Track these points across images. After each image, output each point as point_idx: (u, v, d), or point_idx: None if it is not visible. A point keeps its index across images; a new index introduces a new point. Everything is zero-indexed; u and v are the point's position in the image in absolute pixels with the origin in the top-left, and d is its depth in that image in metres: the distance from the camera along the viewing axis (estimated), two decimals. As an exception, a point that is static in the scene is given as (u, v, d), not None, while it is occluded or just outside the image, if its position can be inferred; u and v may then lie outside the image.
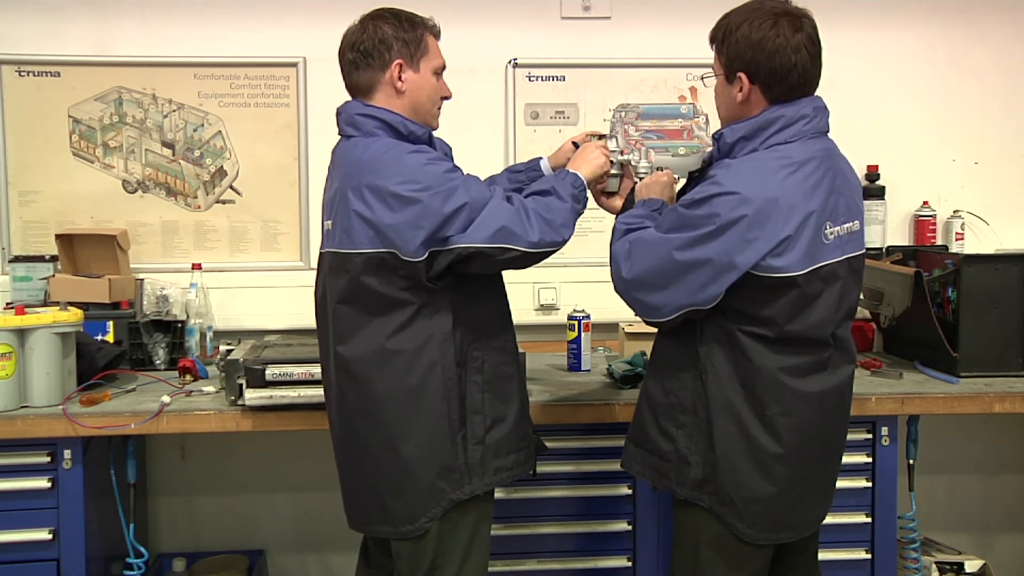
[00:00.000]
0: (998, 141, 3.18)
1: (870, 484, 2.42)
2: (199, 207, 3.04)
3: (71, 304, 2.46)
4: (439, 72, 1.95)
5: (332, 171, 1.91)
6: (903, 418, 2.47)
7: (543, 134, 3.09)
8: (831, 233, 1.72)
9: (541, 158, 2.19)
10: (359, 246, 1.78)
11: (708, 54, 1.86)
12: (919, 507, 2.58)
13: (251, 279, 3.03)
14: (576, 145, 2.10)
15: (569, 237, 1.86)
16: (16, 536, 2.24)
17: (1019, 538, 3.19)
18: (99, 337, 2.68)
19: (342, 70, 1.92)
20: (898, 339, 2.87)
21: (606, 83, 3.10)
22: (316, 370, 2.15)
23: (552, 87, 3.10)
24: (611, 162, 2.03)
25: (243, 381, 2.25)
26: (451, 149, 2.01)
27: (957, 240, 3.14)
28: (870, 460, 2.42)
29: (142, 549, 2.44)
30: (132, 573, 2.41)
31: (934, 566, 2.78)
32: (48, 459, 2.25)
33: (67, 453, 2.25)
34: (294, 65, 3.02)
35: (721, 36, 1.80)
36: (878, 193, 3.12)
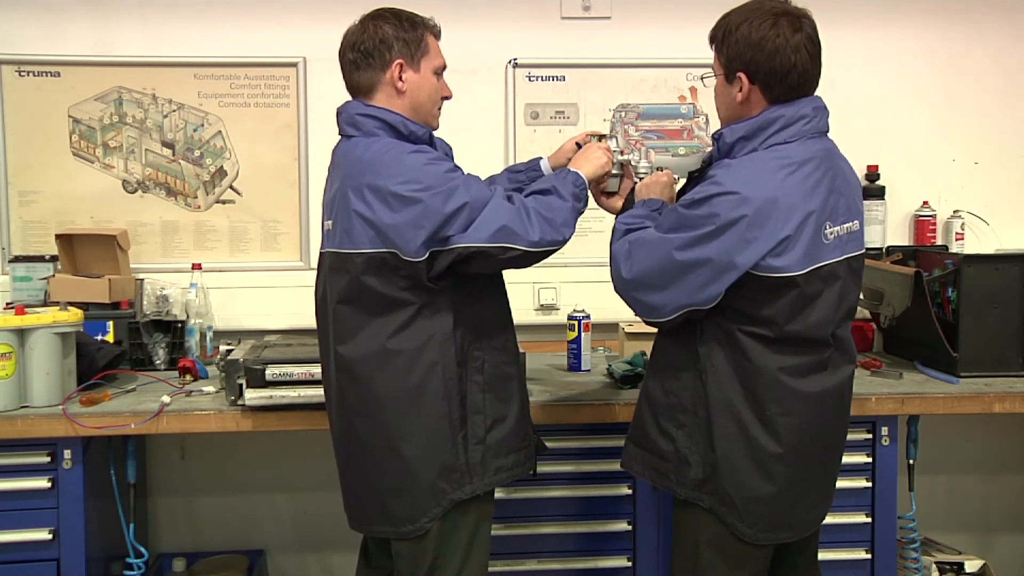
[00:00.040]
0: (998, 141, 3.19)
1: (870, 484, 2.42)
2: (199, 207, 3.04)
3: (71, 304, 2.46)
4: (440, 72, 1.95)
5: (332, 171, 1.91)
6: (903, 418, 2.47)
7: (543, 134, 3.09)
8: (831, 233, 1.72)
9: (541, 158, 2.19)
10: (360, 246, 1.78)
11: (708, 54, 1.86)
12: (919, 507, 2.58)
13: (251, 279, 3.03)
14: (579, 145, 2.10)
15: (570, 236, 1.86)
16: (16, 536, 2.24)
17: (1019, 538, 3.19)
18: (99, 337, 2.68)
19: (342, 70, 1.92)
20: (898, 339, 2.87)
21: (606, 83, 3.10)
22: (316, 370, 2.15)
23: (552, 87, 3.10)
24: (612, 162, 2.03)
25: (243, 381, 2.25)
26: (452, 149, 2.01)
27: (957, 240, 3.14)
28: (870, 460, 2.42)
29: (142, 549, 2.44)
30: (132, 573, 2.41)
31: (934, 566, 2.78)
32: (48, 459, 2.25)
33: (67, 453, 2.25)
34: (294, 65, 3.02)
35: (721, 36, 1.80)
36: (878, 193, 3.12)
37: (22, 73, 2.96)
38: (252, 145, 3.04)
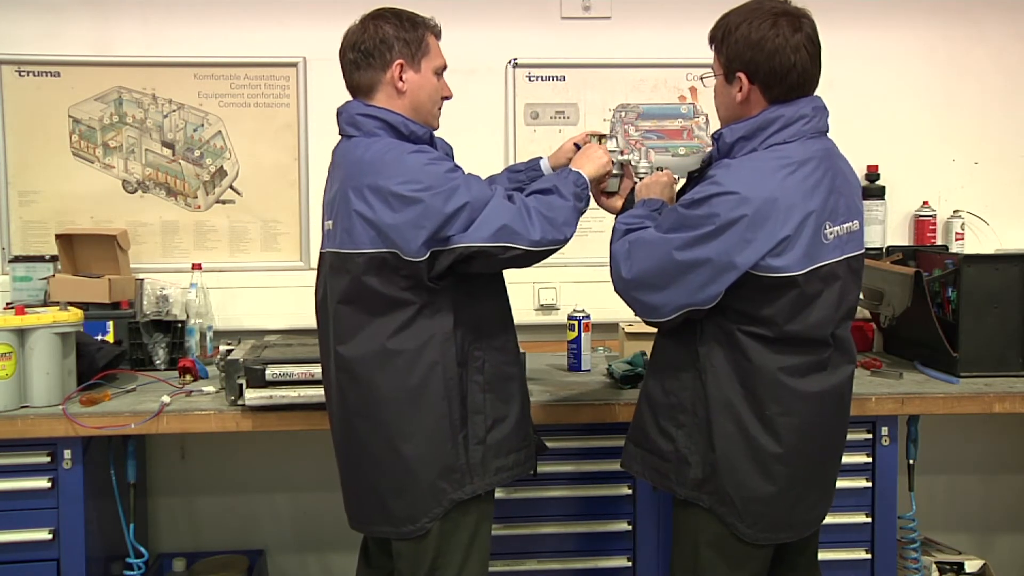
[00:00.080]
0: (998, 141, 3.19)
1: (870, 484, 2.42)
2: (199, 207, 3.04)
3: (71, 304, 2.46)
4: (440, 72, 1.95)
5: (333, 171, 1.91)
6: (903, 418, 2.47)
7: (543, 134, 3.09)
8: (830, 233, 1.72)
9: (541, 158, 2.19)
10: (360, 246, 1.78)
11: (708, 54, 1.86)
12: (919, 507, 2.58)
13: (251, 279, 3.03)
14: (578, 146, 2.10)
15: (571, 235, 1.86)
16: (16, 536, 2.24)
17: (1019, 538, 3.19)
18: (99, 337, 2.68)
19: (343, 70, 1.92)
20: (898, 339, 2.87)
21: (606, 83, 3.10)
22: (316, 370, 2.15)
23: (552, 87, 3.11)
24: (612, 162, 2.03)
25: (243, 381, 2.25)
26: (452, 149, 2.01)
27: (957, 240, 3.14)
28: (870, 460, 2.42)
29: (142, 549, 2.44)
30: (132, 573, 2.41)
31: (934, 566, 2.78)
32: (48, 459, 2.25)
33: (67, 453, 2.25)
34: (294, 65, 3.02)
35: (720, 36, 1.80)
36: (878, 193, 3.12)
37: (22, 73, 2.96)
38: (252, 145, 3.04)
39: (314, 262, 2.53)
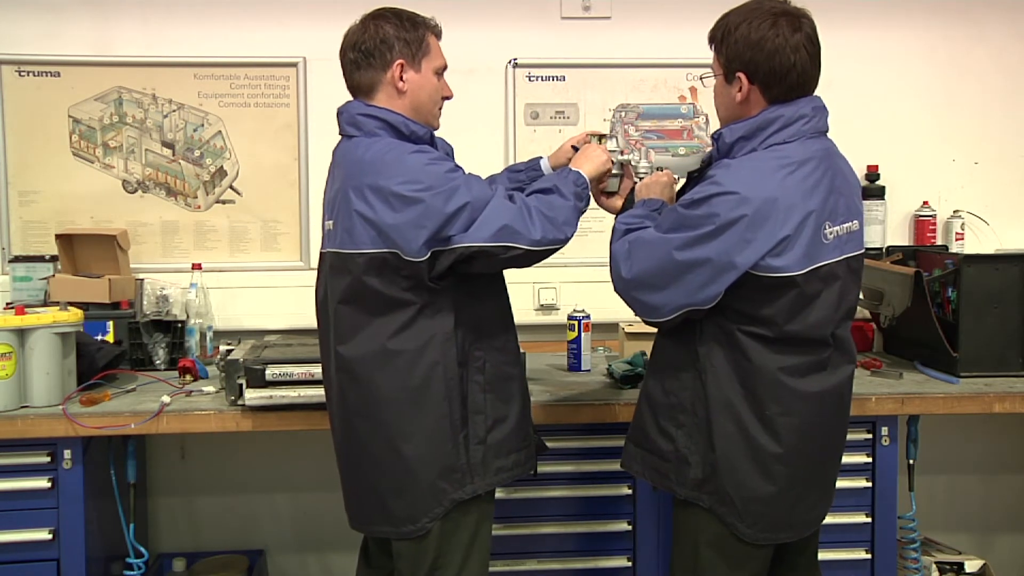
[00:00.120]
0: (998, 141, 3.19)
1: (870, 484, 2.42)
2: (199, 207, 3.04)
3: (71, 304, 2.46)
4: (440, 72, 1.95)
5: (333, 171, 1.91)
6: (903, 418, 2.47)
7: (543, 134, 3.09)
8: (830, 233, 1.72)
9: (541, 157, 2.19)
10: (361, 246, 1.78)
11: (708, 54, 1.86)
12: (919, 507, 2.58)
13: (251, 279, 3.03)
14: (575, 148, 2.10)
15: (572, 235, 1.86)
16: (16, 536, 2.24)
17: (1019, 538, 3.19)
18: (99, 337, 2.68)
19: (343, 70, 1.92)
20: (898, 339, 2.87)
21: (606, 83, 3.10)
22: (316, 370, 2.15)
23: (552, 87, 3.11)
24: (612, 162, 2.03)
25: (243, 381, 2.25)
26: (453, 149, 2.01)
27: (957, 240, 3.14)
28: (870, 460, 2.42)
29: (142, 549, 2.44)
30: (132, 573, 2.41)
31: (934, 566, 2.78)
32: (48, 459, 2.25)
33: (67, 453, 2.25)
34: (294, 65, 3.02)
35: (720, 36, 1.80)
36: (878, 193, 3.12)
37: (22, 73, 2.96)
38: (252, 145, 3.04)
39: (314, 262, 2.53)
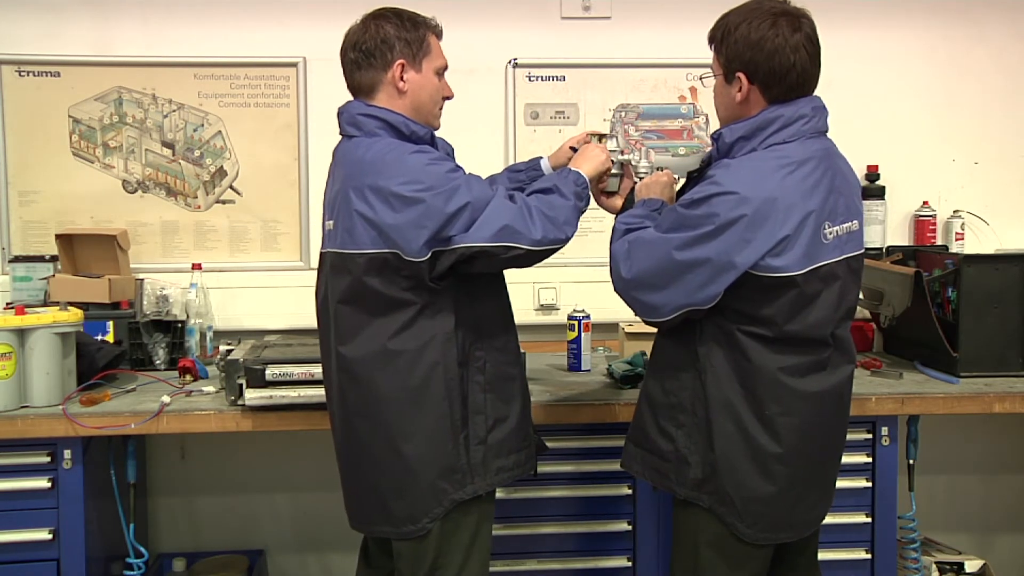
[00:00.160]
0: (998, 141, 3.19)
1: (870, 484, 2.42)
2: (199, 207, 3.04)
3: (71, 304, 2.46)
4: (441, 72, 1.95)
5: (334, 170, 1.91)
6: (903, 418, 2.47)
7: (543, 134, 3.09)
8: (830, 233, 1.72)
9: (541, 157, 2.19)
10: (361, 246, 1.78)
11: (708, 54, 1.86)
12: (919, 507, 2.58)
13: (251, 279, 3.03)
14: (574, 149, 2.10)
15: (572, 235, 1.86)
16: (16, 536, 2.24)
17: (1019, 538, 3.19)
18: (99, 337, 2.68)
19: (344, 70, 1.92)
20: (898, 339, 2.87)
21: (606, 83, 3.10)
22: (316, 370, 2.15)
23: (552, 87, 3.11)
24: (612, 162, 2.03)
25: (243, 381, 2.25)
26: (453, 149, 2.01)
27: (957, 240, 3.14)
28: (870, 460, 2.42)
29: (142, 549, 2.44)
30: (132, 573, 2.41)
31: (934, 566, 2.78)
32: (48, 459, 2.25)
33: (67, 453, 2.25)
34: (294, 65, 3.02)
35: (720, 36, 1.80)
36: (878, 193, 3.12)
37: (22, 73, 2.96)
38: (252, 145, 3.04)
39: (314, 262, 2.53)
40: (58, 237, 2.83)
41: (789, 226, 1.66)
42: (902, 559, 2.57)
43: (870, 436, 2.41)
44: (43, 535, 2.25)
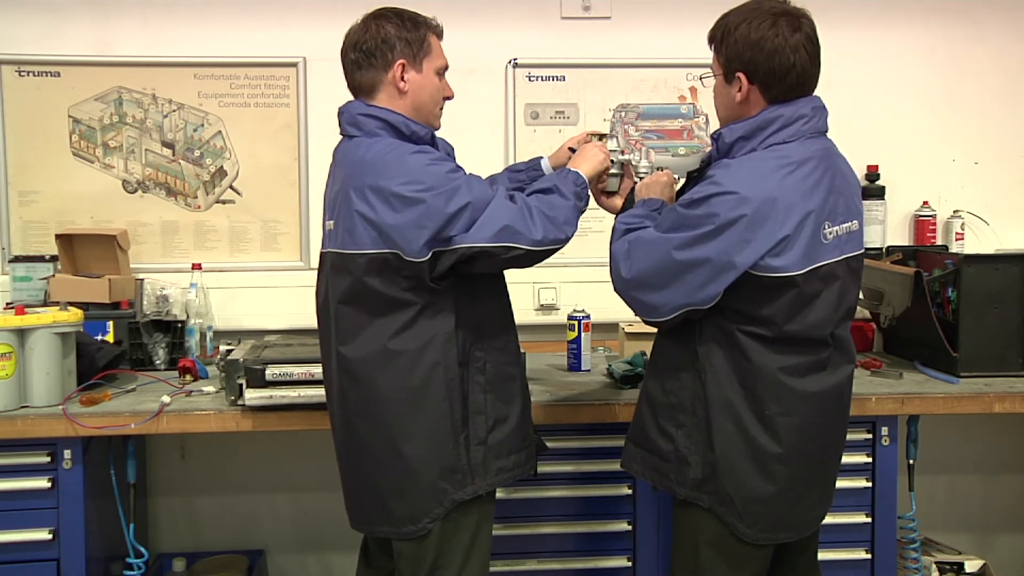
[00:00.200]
0: (998, 141, 3.19)
1: (870, 484, 2.42)
2: (199, 207, 3.04)
3: (71, 304, 2.46)
4: (442, 72, 1.95)
5: (334, 170, 1.91)
6: (903, 418, 2.47)
7: (543, 134, 3.09)
8: (830, 233, 1.72)
9: (542, 157, 2.19)
10: (362, 247, 1.78)
11: (708, 54, 1.86)
12: (919, 507, 2.58)
13: (251, 279, 3.03)
14: (572, 150, 2.10)
15: (572, 235, 1.86)
16: (16, 536, 2.24)
17: (1019, 538, 3.19)
18: (99, 337, 2.68)
19: (344, 70, 1.92)
20: (898, 339, 2.87)
21: (606, 83, 3.10)
22: (316, 370, 2.15)
23: (552, 87, 3.11)
24: (612, 161, 2.03)
25: (243, 381, 2.25)
26: (453, 149, 2.01)
27: (957, 240, 3.14)
28: (870, 460, 2.42)
29: (142, 549, 2.44)
30: (132, 573, 2.41)
31: (934, 566, 2.78)
32: (48, 459, 2.25)
33: (67, 453, 2.25)
34: (294, 65, 3.02)
35: (720, 36, 1.80)
36: (878, 193, 3.12)
37: (22, 73, 2.96)
38: (252, 145, 3.04)
39: (314, 262, 2.53)
40: (58, 237, 2.83)
41: (789, 226, 1.66)
42: (902, 559, 2.57)
43: (870, 436, 2.41)
44: (43, 535, 2.25)
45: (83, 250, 2.86)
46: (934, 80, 3.16)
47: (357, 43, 1.87)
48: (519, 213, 1.80)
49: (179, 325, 2.80)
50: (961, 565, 2.80)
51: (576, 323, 2.73)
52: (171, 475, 3.00)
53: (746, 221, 1.65)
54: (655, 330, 1.89)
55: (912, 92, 3.16)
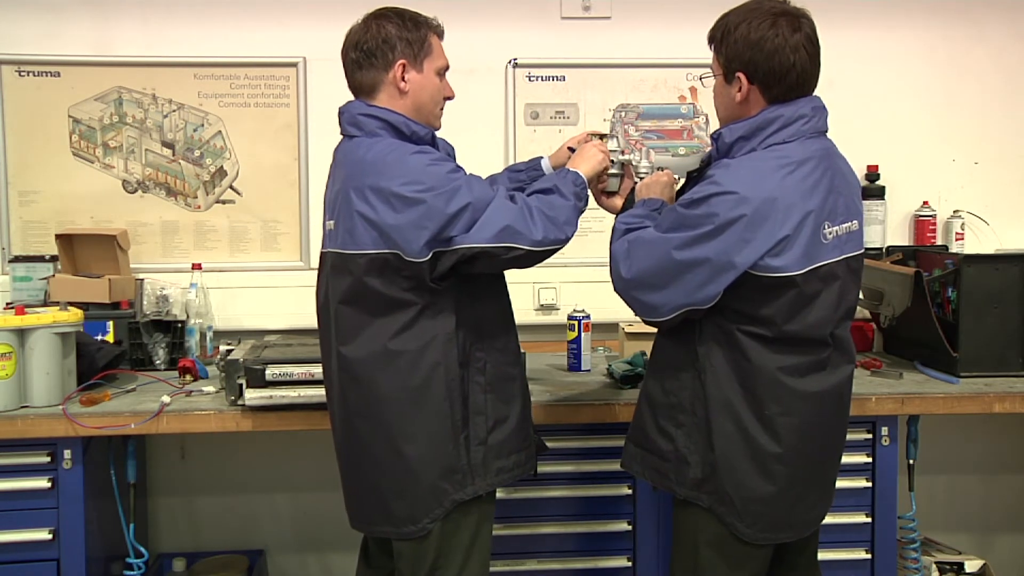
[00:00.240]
0: (998, 141, 3.19)
1: (870, 484, 2.42)
2: (199, 207, 3.04)
3: (71, 304, 2.46)
4: (442, 72, 1.94)
5: (335, 170, 1.91)
6: (903, 418, 2.47)
7: (543, 134, 3.09)
8: (829, 233, 1.72)
9: (542, 157, 2.19)
10: (362, 247, 1.77)
11: (708, 54, 1.86)
12: (919, 507, 2.58)
13: (251, 279, 3.03)
14: (572, 150, 2.10)
15: (572, 235, 1.86)
16: (16, 536, 2.24)
17: (1019, 538, 3.19)
18: (99, 337, 2.68)
19: (345, 69, 1.91)
20: (898, 339, 2.87)
21: (606, 83, 3.10)
22: (316, 370, 2.15)
23: (552, 87, 3.11)
24: (612, 161, 2.03)
25: (243, 381, 2.25)
26: (454, 149, 2.01)
27: (957, 240, 3.14)
28: (870, 460, 2.42)
29: (142, 549, 2.44)
30: (132, 573, 2.41)
31: (934, 566, 2.78)
32: (48, 459, 2.25)
33: (67, 453, 2.25)
34: (294, 65, 3.02)
35: (720, 36, 1.80)
36: (878, 193, 3.12)
37: (22, 73, 2.96)
38: (252, 145, 3.04)
39: (314, 262, 2.53)
40: (58, 237, 2.83)
41: (788, 226, 1.66)
42: (902, 559, 2.57)
43: (870, 436, 2.41)
44: (43, 535, 2.25)
45: (83, 250, 2.86)
46: (934, 80, 3.16)
47: (358, 43, 1.87)
48: (520, 213, 1.80)
49: (179, 325, 2.80)
50: (961, 565, 2.80)
51: (576, 323, 2.73)
52: (171, 475, 3.00)
53: (746, 221, 1.65)
54: (655, 330, 1.89)
55: (912, 92, 3.16)
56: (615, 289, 1.82)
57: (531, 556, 2.42)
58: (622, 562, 2.42)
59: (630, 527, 2.42)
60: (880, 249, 3.08)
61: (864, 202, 2.21)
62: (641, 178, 2.00)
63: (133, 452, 2.46)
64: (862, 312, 2.84)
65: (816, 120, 1.76)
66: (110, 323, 2.71)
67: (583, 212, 1.92)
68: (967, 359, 2.53)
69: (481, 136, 3.03)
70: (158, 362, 2.77)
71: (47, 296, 2.80)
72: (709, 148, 1.96)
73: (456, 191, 1.76)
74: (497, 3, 3.06)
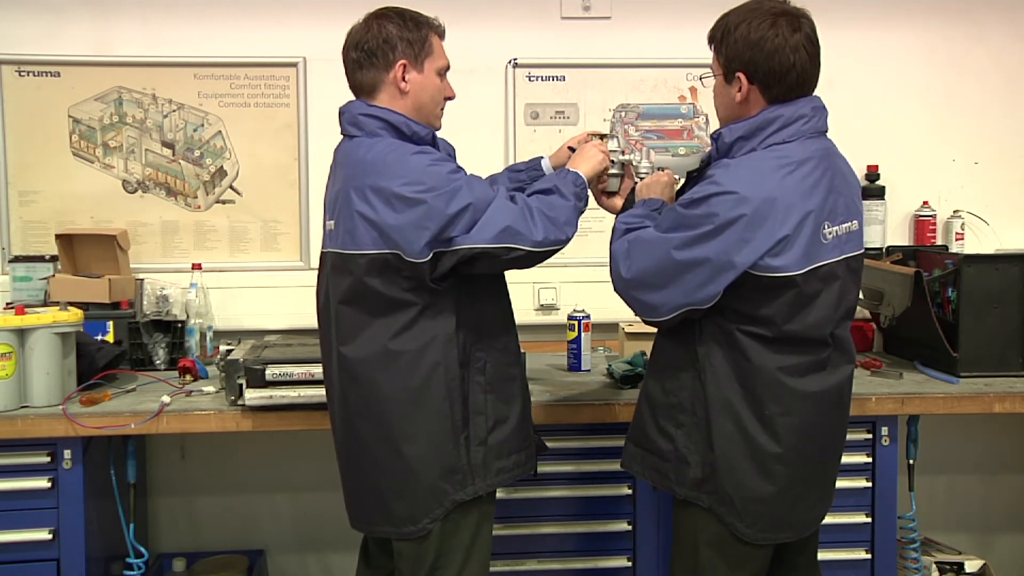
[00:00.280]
0: (998, 141, 3.19)
1: (870, 484, 2.42)
2: (199, 207, 3.04)
3: (71, 304, 2.46)
4: (443, 72, 1.94)
5: (335, 170, 1.91)
6: (903, 418, 2.47)
7: (543, 134, 3.09)
8: (829, 233, 1.72)
9: (542, 157, 2.19)
10: (363, 247, 1.77)
11: (708, 54, 1.86)
12: (919, 507, 2.58)
13: (251, 279, 3.03)
14: (572, 149, 2.10)
15: (572, 235, 1.86)
16: (16, 536, 2.24)
17: (1019, 538, 3.19)
18: (99, 337, 2.68)
19: (346, 69, 1.91)
20: (898, 339, 2.87)
21: (606, 83, 3.10)
22: (316, 370, 2.15)
23: (552, 87, 3.11)
24: (612, 162, 2.03)
25: (243, 381, 2.25)
26: (454, 150, 2.01)
27: (957, 240, 3.14)
28: (870, 460, 2.42)
29: (142, 549, 2.44)
30: (132, 573, 2.41)
31: (934, 566, 2.78)
32: (48, 459, 2.25)
33: (67, 453, 2.25)
34: (294, 65, 3.02)
35: (720, 36, 1.80)
36: (878, 193, 3.12)
37: (22, 73, 2.96)
38: (252, 145, 3.04)
39: (314, 262, 2.53)
40: (58, 237, 2.83)
41: (788, 226, 1.66)
42: (902, 559, 2.57)
43: (870, 436, 2.41)
44: (43, 535, 2.25)
45: (83, 250, 2.86)
46: (934, 80, 3.17)
47: (359, 43, 1.87)
48: (520, 214, 1.80)
49: (179, 325, 2.80)
50: (961, 565, 2.80)
51: (576, 323, 2.73)
52: (171, 475, 3.00)
53: (745, 221, 1.65)
54: (655, 330, 1.89)
55: (912, 92, 3.16)
56: (615, 289, 1.82)
57: (531, 556, 2.42)
58: (622, 562, 2.42)
59: (630, 527, 2.42)
60: (880, 249, 3.08)
61: (864, 202, 2.21)
62: (641, 178, 2.00)
63: (133, 452, 2.46)
64: (862, 312, 2.84)
65: (816, 120, 1.76)
66: (110, 323, 2.71)
67: (583, 212, 1.92)
68: (967, 359, 2.53)
69: (481, 136, 3.03)
70: (158, 362, 2.77)
71: (47, 296, 2.80)
72: (709, 148, 1.96)
73: (457, 191, 1.76)
74: (497, 3, 3.06)
